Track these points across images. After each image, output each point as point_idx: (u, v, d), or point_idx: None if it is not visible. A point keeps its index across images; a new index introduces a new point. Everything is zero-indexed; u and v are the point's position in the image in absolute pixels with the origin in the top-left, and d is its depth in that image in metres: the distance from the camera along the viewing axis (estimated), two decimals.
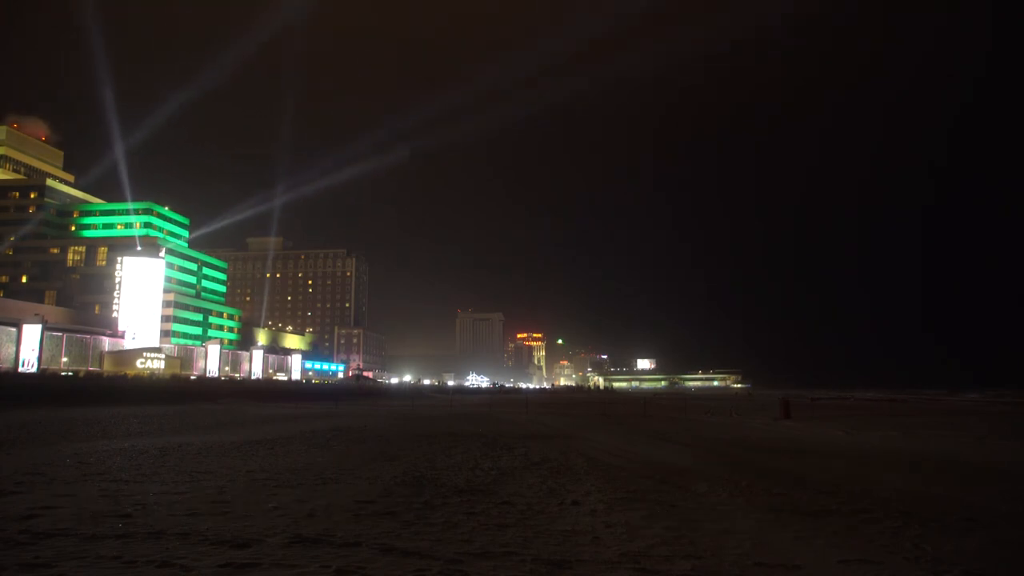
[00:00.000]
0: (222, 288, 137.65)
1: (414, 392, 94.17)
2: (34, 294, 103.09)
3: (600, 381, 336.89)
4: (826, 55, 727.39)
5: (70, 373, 75.98)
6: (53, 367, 76.11)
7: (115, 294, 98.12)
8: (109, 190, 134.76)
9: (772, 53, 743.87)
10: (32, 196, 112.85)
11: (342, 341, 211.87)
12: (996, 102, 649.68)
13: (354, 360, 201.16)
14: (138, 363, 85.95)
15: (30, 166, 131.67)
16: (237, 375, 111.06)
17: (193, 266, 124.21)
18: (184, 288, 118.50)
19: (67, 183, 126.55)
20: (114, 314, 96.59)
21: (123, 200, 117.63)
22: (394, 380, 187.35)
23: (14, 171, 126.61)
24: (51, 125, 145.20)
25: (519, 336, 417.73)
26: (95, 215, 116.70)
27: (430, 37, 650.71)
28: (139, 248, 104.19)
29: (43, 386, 50.54)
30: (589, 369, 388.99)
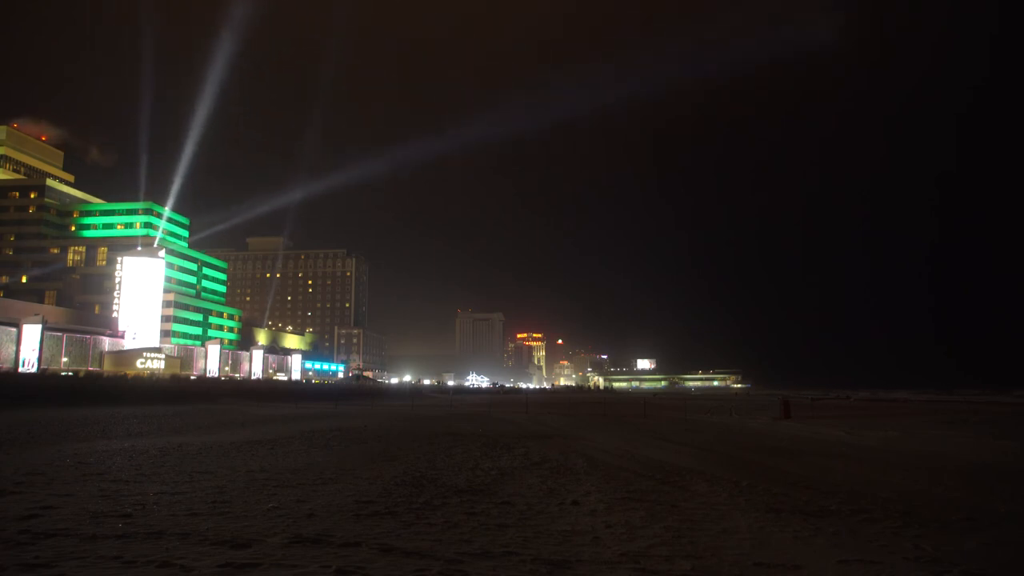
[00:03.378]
0: (222, 288, 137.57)
1: (414, 392, 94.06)
2: (34, 294, 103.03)
3: (600, 381, 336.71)
4: (833, 55, 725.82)
5: (70, 373, 75.89)
6: (53, 367, 76.05)
7: (115, 294, 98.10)
8: (108, 190, 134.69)
9: (775, 64, 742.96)
10: (32, 196, 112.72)
11: (342, 341, 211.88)
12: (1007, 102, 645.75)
13: (354, 360, 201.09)
14: (138, 363, 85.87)
15: (30, 166, 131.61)
16: (237, 375, 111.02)
17: (193, 266, 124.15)
18: (184, 288, 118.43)
19: (67, 183, 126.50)
20: (114, 314, 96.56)
21: (123, 200, 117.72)
22: (394, 380, 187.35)
23: (14, 171, 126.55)
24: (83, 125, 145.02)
25: (519, 336, 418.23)
26: (95, 215, 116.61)
27: (433, 43, 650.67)
28: (139, 248, 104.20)
29: (43, 386, 50.45)
30: (589, 369, 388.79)
